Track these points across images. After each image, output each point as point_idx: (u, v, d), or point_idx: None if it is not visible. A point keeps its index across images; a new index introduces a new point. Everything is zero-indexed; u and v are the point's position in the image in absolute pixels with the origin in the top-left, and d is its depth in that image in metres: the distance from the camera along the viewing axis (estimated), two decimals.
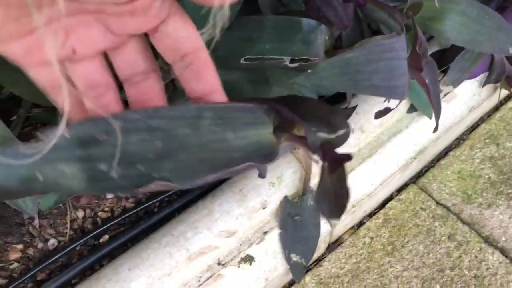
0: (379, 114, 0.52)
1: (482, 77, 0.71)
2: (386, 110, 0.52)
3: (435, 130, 0.52)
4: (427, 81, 0.45)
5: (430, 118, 0.64)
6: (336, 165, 0.37)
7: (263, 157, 0.35)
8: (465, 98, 0.71)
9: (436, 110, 0.48)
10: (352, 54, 0.34)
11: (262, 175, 0.51)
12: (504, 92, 0.74)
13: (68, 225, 0.56)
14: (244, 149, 0.33)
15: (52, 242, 0.55)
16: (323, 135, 0.38)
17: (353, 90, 0.34)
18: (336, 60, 0.33)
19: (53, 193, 0.56)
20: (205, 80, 0.27)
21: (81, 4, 0.21)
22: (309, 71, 0.34)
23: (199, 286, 0.50)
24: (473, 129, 0.76)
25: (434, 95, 0.46)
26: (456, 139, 0.75)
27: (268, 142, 0.37)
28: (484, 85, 0.71)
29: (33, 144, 0.24)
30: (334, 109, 0.35)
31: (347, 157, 0.36)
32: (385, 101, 0.52)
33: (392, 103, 0.52)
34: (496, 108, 0.79)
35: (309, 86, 0.34)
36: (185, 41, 0.25)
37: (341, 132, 0.37)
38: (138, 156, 0.29)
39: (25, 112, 0.59)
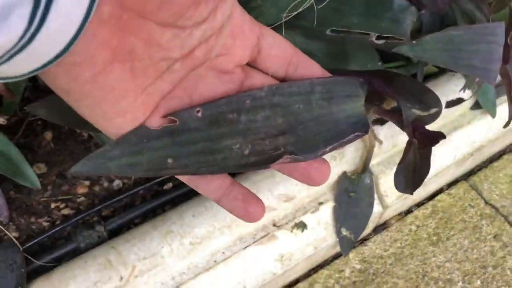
0: (451, 104, 0.53)
1: None
2: (459, 101, 0.52)
3: (507, 125, 0.52)
4: (511, 74, 0.46)
5: (493, 117, 0.64)
6: (429, 142, 0.38)
7: (362, 128, 0.35)
8: None
9: (511, 106, 0.48)
10: (457, 31, 0.35)
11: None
12: None
13: None
14: (347, 121, 0.33)
15: (117, 183, 0.57)
16: (416, 111, 0.39)
17: (452, 67, 0.35)
18: (441, 35, 0.35)
19: None
20: (315, 72, 0.29)
21: (192, 59, 0.22)
22: (414, 41, 0.35)
23: (253, 242, 0.52)
24: None
25: None
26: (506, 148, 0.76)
27: (361, 113, 0.38)
28: None
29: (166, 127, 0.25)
30: (427, 87, 0.36)
31: (441, 135, 0.37)
32: (460, 90, 0.52)
33: (466, 94, 0.53)
34: None
35: (412, 57, 0.36)
36: (284, 43, 0.26)
37: (433, 110, 0.39)
38: (264, 133, 0.29)
39: None
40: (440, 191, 0.69)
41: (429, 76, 0.65)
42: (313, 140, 0.30)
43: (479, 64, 0.35)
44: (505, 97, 0.68)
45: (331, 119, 0.32)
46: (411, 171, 0.42)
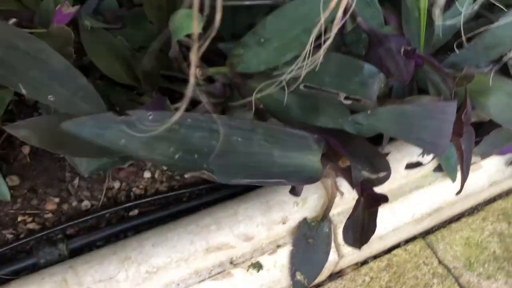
0: (410, 166, 0.56)
1: (510, 156, 0.75)
2: (418, 164, 0.56)
3: (458, 193, 0.55)
4: (463, 147, 0.49)
5: (453, 181, 0.68)
6: (373, 203, 0.41)
7: (301, 178, 0.41)
8: (489, 172, 0.75)
9: (464, 175, 0.52)
10: (410, 107, 0.38)
11: (296, 194, 0.55)
12: None
13: (104, 192, 0.60)
14: (285, 167, 0.40)
15: (86, 203, 0.59)
16: (366, 173, 0.42)
17: (403, 138, 0.38)
18: (395, 108, 0.38)
19: (99, 159, 0.61)
20: None
21: None
22: (368, 112, 0.38)
23: (208, 277, 0.54)
24: (490, 203, 0.80)
25: (466, 162, 0.50)
26: (472, 207, 0.79)
27: (312, 167, 0.42)
28: (509, 164, 0.74)
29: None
30: (379, 152, 0.39)
31: (385, 198, 0.40)
32: (420, 155, 0.56)
33: (425, 159, 0.56)
34: None
35: (366, 125, 0.39)
36: None
37: (382, 174, 0.42)
38: (197, 148, 0.37)
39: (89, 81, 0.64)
40: (397, 245, 0.72)
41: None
42: (237, 168, 0.37)
43: (427, 138, 0.38)
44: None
45: (267, 160, 0.38)
46: (360, 228, 0.45)
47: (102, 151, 0.43)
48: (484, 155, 0.70)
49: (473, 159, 0.72)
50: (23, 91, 0.38)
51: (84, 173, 0.49)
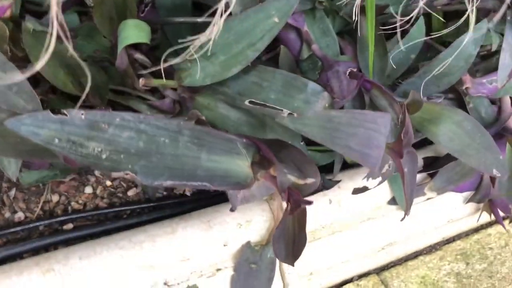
0: (357, 191, 0.55)
1: (468, 194, 0.74)
2: (364, 189, 0.54)
3: (403, 219, 0.54)
4: (405, 169, 0.48)
5: (408, 214, 0.66)
6: (296, 207, 0.39)
7: (228, 183, 0.40)
8: (446, 209, 0.73)
9: (407, 200, 0.50)
10: (336, 113, 0.37)
11: (233, 209, 0.53)
12: (485, 217, 0.76)
13: (40, 205, 0.58)
14: (212, 171, 0.40)
15: (19, 215, 0.57)
16: (292, 178, 0.41)
17: (329, 144, 0.37)
18: (322, 114, 0.37)
19: (39, 171, 0.59)
20: None
21: None
22: (295, 115, 0.38)
23: None
24: (448, 242, 0.78)
25: (409, 185, 0.49)
26: (430, 246, 0.77)
27: (241, 172, 0.41)
28: (467, 202, 0.73)
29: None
30: (309, 159, 0.38)
31: (308, 202, 0.39)
32: (364, 178, 0.55)
33: (371, 183, 0.55)
34: (475, 230, 0.81)
35: (292, 129, 0.38)
36: None
37: (310, 180, 0.40)
38: (123, 148, 0.37)
39: (40, 93, 0.63)
40: (350, 280, 0.69)
41: (355, 165, 0.68)
42: (162, 170, 0.35)
43: (355, 146, 0.37)
44: (423, 197, 0.71)
45: (193, 162, 0.37)
46: (291, 240, 0.43)
47: (32, 151, 0.42)
48: (440, 191, 0.69)
49: (430, 194, 0.71)
50: None
51: (12, 177, 0.47)
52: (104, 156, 0.38)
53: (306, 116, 0.37)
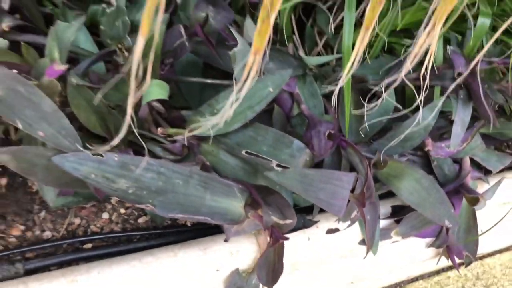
0: (330, 231, 0.66)
1: (430, 239, 0.85)
2: (336, 230, 0.66)
3: (365, 257, 0.65)
4: (368, 217, 0.60)
5: (374, 254, 0.77)
6: (276, 241, 0.50)
7: (225, 220, 0.52)
8: (411, 251, 0.84)
9: (369, 241, 0.61)
10: (310, 172, 0.49)
11: (226, 239, 0.64)
12: (445, 261, 0.87)
13: (65, 226, 0.68)
14: (213, 208, 0.52)
15: (47, 234, 0.67)
16: (275, 218, 0.52)
17: (304, 195, 0.48)
18: (300, 171, 0.49)
19: (65, 197, 0.70)
20: None
21: None
22: (279, 170, 0.49)
23: None
24: (412, 281, 0.89)
25: (370, 229, 0.60)
26: (395, 284, 0.87)
27: (236, 211, 0.53)
28: (428, 246, 0.84)
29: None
30: (289, 204, 0.50)
31: (285, 238, 0.50)
32: (335, 221, 0.66)
33: (342, 226, 0.66)
34: (437, 272, 0.92)
35: (276, 180, 0.49)
36: None
37: (288, 221, 0.52)
38: (146, 186, 0.48)
39: None
40: None
41: None
42: (175, 205, 0.47)
43: (324, 198, 0.48)
44: (389, 240, 0.82)
45: (199, 201, 0.49)
46: (271, 269, 0.54)
47: (69, 183, 0.54)
48: (404, 235, 0.80)
49: (396, 237, 0.82)
50: (20, 126, 0.48)
51: (49, 202, 0.58)
52: (130, 191, 0.49)
53: (288, 171, 0.49)
